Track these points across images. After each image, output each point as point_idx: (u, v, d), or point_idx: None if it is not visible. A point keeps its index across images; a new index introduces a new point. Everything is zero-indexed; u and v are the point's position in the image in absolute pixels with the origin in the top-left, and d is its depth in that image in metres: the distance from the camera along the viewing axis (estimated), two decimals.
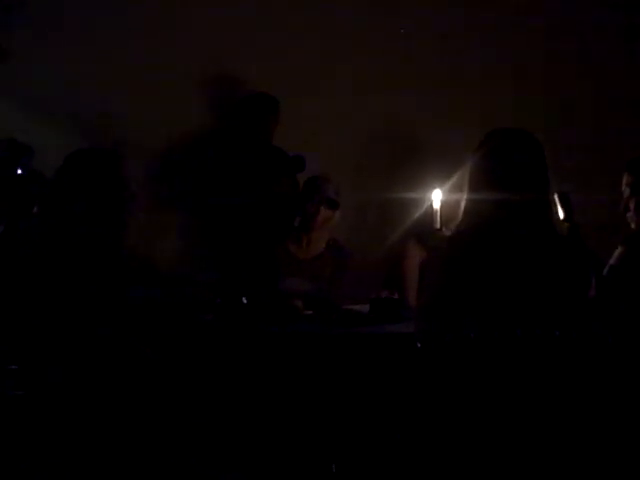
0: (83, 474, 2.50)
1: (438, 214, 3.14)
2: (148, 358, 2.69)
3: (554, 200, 2.53)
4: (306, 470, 3.07)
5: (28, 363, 2.56)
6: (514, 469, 2.31)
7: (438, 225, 3.14)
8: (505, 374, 2.36)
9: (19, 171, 3.52)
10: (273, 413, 3.24)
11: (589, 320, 2.43)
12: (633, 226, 3.08)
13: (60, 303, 2.63)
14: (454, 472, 2.35)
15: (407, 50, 4.96)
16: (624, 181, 3.17)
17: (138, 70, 4.70)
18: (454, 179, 2.92)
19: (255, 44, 4.85)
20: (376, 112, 4.91)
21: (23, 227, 3.38)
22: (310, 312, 3.74)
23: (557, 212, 2.58)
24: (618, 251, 3.11)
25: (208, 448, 2.97)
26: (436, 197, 3.17)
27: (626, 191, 3.14)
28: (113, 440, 2.54)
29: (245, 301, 3.62)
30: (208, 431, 3.06)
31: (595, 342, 2.44)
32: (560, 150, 2.60)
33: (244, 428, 3.19)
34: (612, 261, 3.14)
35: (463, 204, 2.50)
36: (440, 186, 3.17)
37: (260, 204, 4.59)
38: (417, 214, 3.72)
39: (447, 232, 2.69)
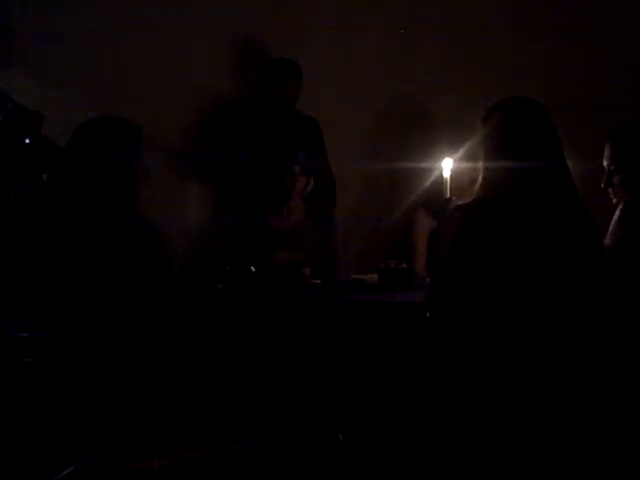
0: (93, 440, 2.51)
1: (448, 183, 3.14)
2: (160, 327, 2.69)
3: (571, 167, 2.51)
4: (313, 439, 3.08)
5: (39, 330, 2.57)
6: (523, 439, 2.32)
7: (448, 194, 3.14)
8: (514, 344, 2.36)
9: (27, 140, 3.51)
10: (281, 382, 3.25)
11: (601, 291, 2.43)
12: (615, 202, 2.96)
13: (70, 272, 2.63)
14: (462, 441, 2.36)
15: (423, 19, 4.94)
16: (606, 154, 2.94)
17: (155, 40, 4.69)
18: (465, 148, 2.91)
19: (272, 11, 4.84)
20: (388, 81, 4.90)
21: (33, 194, 3.38)
22: (318, 281, 3.74)
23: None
24: (616, 216, 3.02)
25: (217, 416, 2.98)
26: (446, 166, 3.16)
27: (609, 165, 2.92)
28: (123, 408, 2.55)
29: (253, 269, 3.63)
30: (217, 399, 3.08)
31: (605, 313, 2.44)
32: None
33: (253, 396, 3.21)
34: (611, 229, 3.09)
35: (481, 174, 2.49)
36: (450, 155, 3.16)
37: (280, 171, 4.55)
38: (427, 183, 3.71)
39: (457, 201, 2.69)
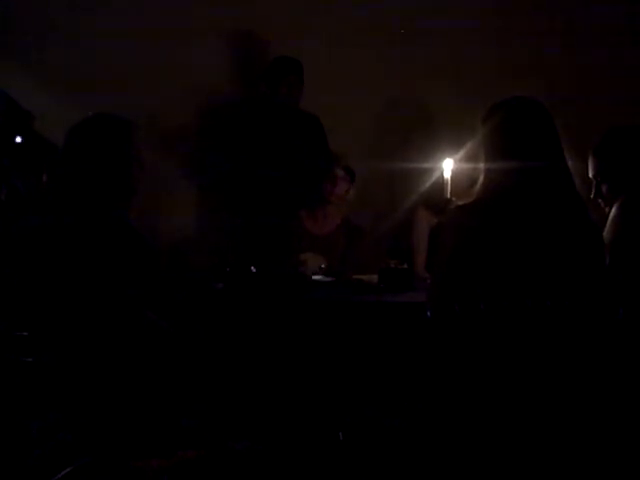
0: (93, 440, 2.51)
1: (449, 184, 3.14)
2: (161, 328, 2.69)
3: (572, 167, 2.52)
4: (314, 438, 3.08)
5: (39, 330, 2.56)
6: (523, 439, 2.32)
7: (448, 195, 3.14)
8: (514, 344, 2.36)
9: (18, 139, 3.50)
10: (281, 381, 3.25)
11: (601, 291, 2.43)
12: (607, 210, 3.02)
13: (70, 271, 2.63)
14: (463, 441, 2.36)
15: (422, 21, 4.94)
16: (592, 167, 3.04)
17: (154, 39, 4.71)
18: (465, 149, 2.91)
19: (273, 11, 4.85)
20: (388, 81, 4.91)
21: (27, 193, 3.37)
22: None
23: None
24: (612, 213, 3.04)
25: (217, 416, 2.98)
26: (447, 167, 3.16)
27: (595, 177, 3.02)
28: (123, 408, 2.55)
29: (254, 270, 3.63)
30: (217, 399, 3.08)
31: (605, 313, 2.43)
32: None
33: (253, 396, 3.21)
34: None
35: (482, 174, 2.49)
36: (451, 156, 3.16)
37: (285, 172, 4.54)
38: (427, 184, 3.72)
39: (457, 202, 2.69)
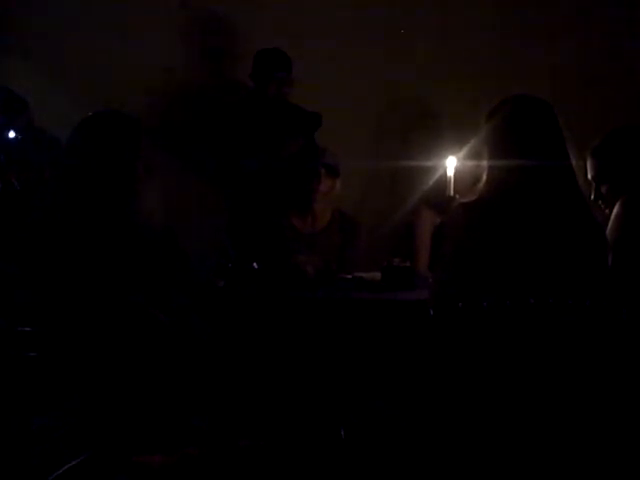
0: (95, 435, 2.51)
1: (452, 181, 3.13)
2: (162, 324, 2.69)
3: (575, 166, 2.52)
4: (315, 435, 3.08)
5: (42, 325, 2.56)
6: (525, 437, 2.32)
7: (452, 193, 3.13)
8: (517, 342, 2.36)
9: (11, 134, 3.49)
10: (283, 378, 3.25)
11: (605, 291, 2.43)
12: (608, 211, 3.02)
13: (72, 268, 2.63)
14: (465, 439, 2.36)
15: (423, 18, 4.95)
16: (591, 168, 3.05)
17: (148, 37, 4.72)
18: (468, 146, 2.91)
19: (272, 10, 4.84)
20: (390, 80, 4.91)
21: (21, 189, 3.37)
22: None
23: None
24: (615, 212, 3.05)
25: (219, 413, 2.98)
26: (450, 164, 3.15)
27: (594, 178, 3.03)
28: (126, 404, 2.55)
29: (256, 267, 3.63)
30: (219, 396, 3.08)
31: (608, 312, 2.43)
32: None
33: (255, 393, 3.21)
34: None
35: (485, 172, 2.49)
36: (454, 153, 3.15)
37: (275, 167, 4.52)
38: (430, 181, 3.71)
39: (460, 200, 2.69)
